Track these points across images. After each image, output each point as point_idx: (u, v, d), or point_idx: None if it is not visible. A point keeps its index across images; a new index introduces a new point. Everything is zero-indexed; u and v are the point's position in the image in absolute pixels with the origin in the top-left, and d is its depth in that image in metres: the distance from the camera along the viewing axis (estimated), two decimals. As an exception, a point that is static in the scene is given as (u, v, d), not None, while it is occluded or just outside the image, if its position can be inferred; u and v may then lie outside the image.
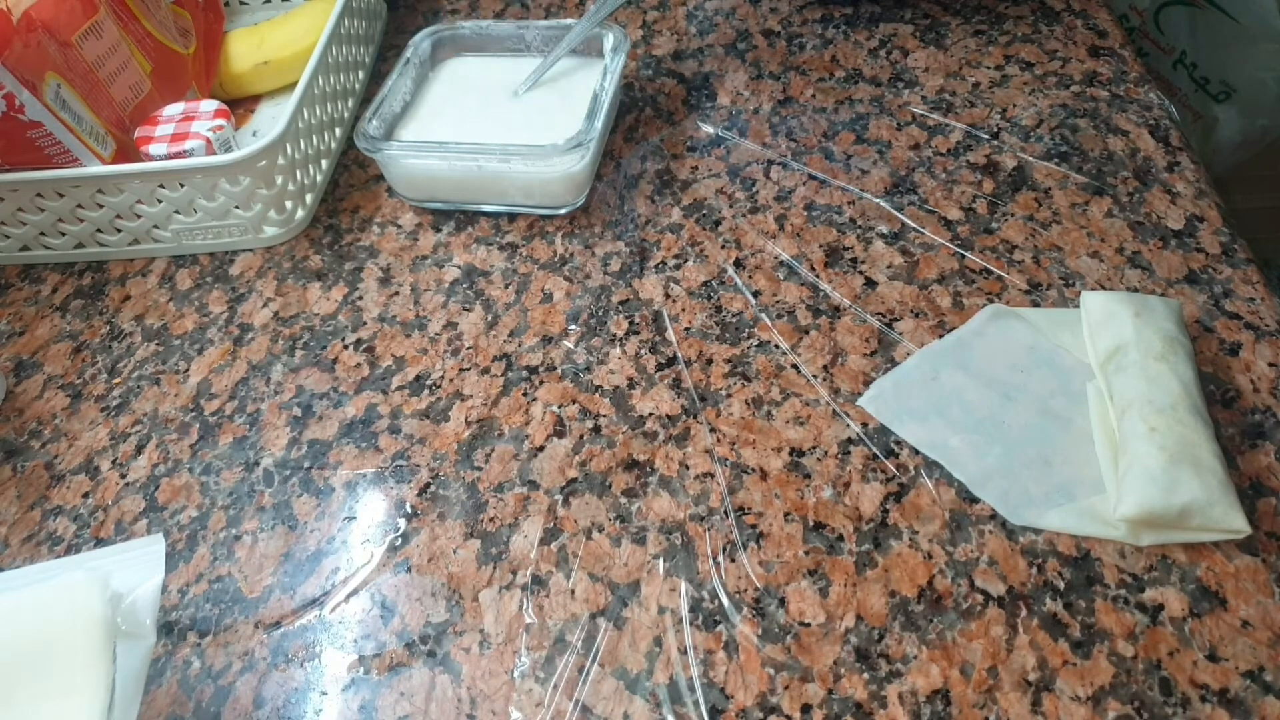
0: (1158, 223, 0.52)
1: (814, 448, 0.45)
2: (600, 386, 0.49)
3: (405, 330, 0.53)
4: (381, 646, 0.41)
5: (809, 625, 0.39)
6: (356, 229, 0.60)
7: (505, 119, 0.60)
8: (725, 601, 0.40)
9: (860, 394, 0.46)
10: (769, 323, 0.50)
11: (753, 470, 0.44)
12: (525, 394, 0.49)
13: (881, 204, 0.55)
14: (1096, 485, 0.41)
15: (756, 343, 0.49)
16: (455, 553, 0.43)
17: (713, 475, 0.44)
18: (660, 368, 0.49)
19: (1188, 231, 0.51)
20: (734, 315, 0.51)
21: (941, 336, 0.48)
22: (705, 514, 0.43)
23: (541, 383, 0.49)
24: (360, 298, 0.56)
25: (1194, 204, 0.52)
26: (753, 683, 0.37)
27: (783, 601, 0.40)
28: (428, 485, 0.46)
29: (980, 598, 0.39)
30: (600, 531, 0.43)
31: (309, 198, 0.61)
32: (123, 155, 0.60)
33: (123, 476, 0.49)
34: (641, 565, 0.42)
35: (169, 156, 0.56)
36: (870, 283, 0.51)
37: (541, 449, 0.47)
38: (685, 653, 0.39)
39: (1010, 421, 0.44)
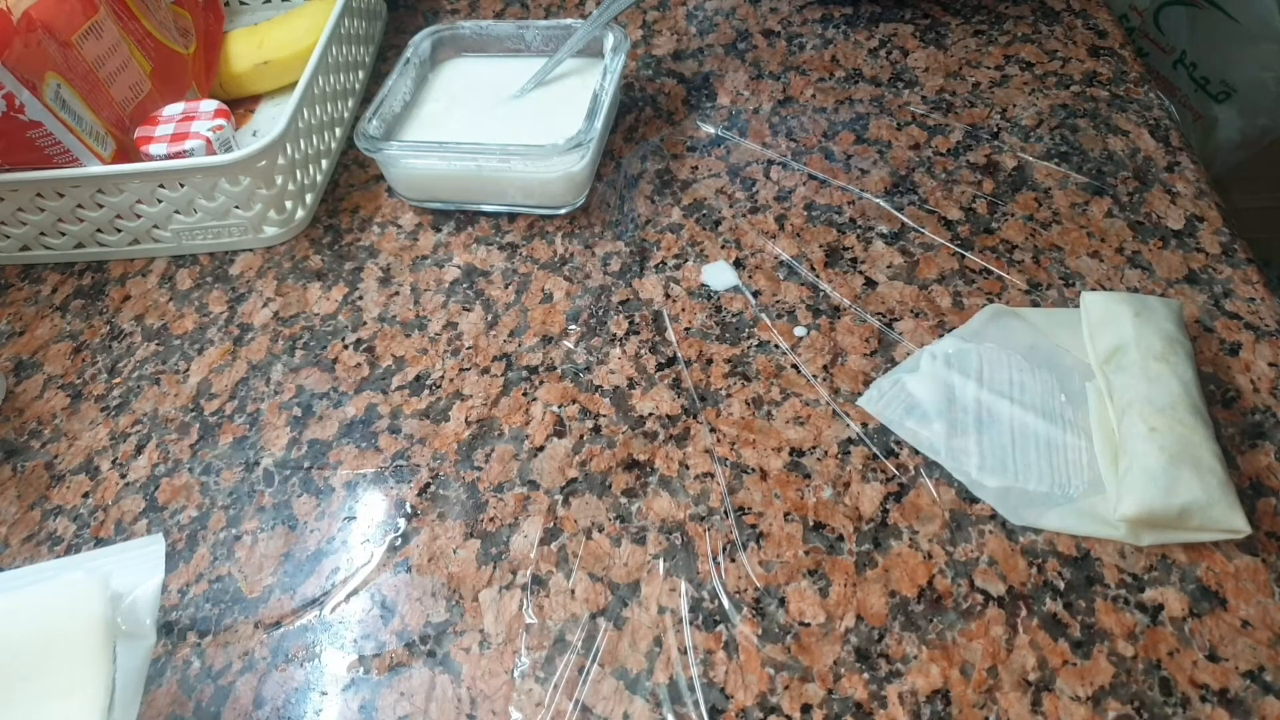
0: (1158, 223, 0.52)
1: (814, 448, 0.45)
2: (600, 386, 0.49)
3: (405, 330, 0.53)
4: (381, 646, 0.41)
5: (809, 625, 0.39)
6: (356, 229, 0.60)
7: (505, 119, 0.60)
8: (725, 601, 0.40)
9: (860, 394, 0.46)
10: (769, 323, 0.50)
11: (753, 470, 0.44)
12: (525, 394, 0.49)
13: (881, 204, 0.55)
14: (1096, 485, 0.41)
15: (756, 343, 0.49)
16: (455, 553, 0.43)
17: (713, 475, 0.44)
18: (660, 368, 0.49)
19: (1188, 231, 0.51)
20: (734, 315, 0.51)
21: (941, 336, 0.48)
22: (705, 514, 0.43)
23: (541, 383, 0.49)
24: (360, 298, 0.56)
25: (1194, 204, 0.52)
26: (753, 683, 0.37)
27: (783, 601, 0.40)
28: (428, 485, 0.46)
29: (980, 598, 0.39)
30: (600, 531, 0.43)
31: (309, 198, 0.61)
32: (123, 155, 0.60)
33: (123, 476, 0.49)
34: (641, 565, 0.42)
35: (169, 156, 0.56)
36: (870, 283, 0.51)
37: (541, 449, 0.47)
38: (685, 653, 0.39)
39: (1010, 421, 0.44)
